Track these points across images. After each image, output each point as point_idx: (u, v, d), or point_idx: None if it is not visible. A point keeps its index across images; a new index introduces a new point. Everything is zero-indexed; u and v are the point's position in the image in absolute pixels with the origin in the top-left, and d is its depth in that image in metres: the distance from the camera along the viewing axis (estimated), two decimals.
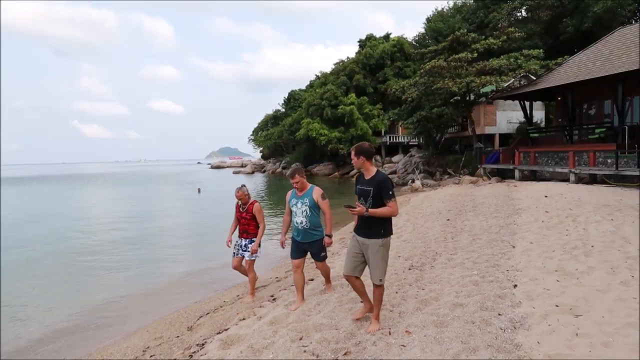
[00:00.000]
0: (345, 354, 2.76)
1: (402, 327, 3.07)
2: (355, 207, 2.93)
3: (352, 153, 3.10)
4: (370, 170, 3.07)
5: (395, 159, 30.50)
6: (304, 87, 51.04)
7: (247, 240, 4.78)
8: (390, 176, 25.60)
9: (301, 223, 3.86)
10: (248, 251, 4.75)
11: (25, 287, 6.74)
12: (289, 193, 4.00)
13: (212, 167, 71.64)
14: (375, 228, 3.01)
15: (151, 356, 3.74)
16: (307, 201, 3.84)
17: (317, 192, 3.86)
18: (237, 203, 4.77)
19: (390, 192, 2.94)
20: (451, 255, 5.15)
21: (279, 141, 45.83)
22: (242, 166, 61.49)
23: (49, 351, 4.43)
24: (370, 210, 2.93)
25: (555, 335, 2.71)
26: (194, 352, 3.42)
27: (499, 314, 3.12)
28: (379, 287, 3.08)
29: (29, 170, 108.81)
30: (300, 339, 3.09)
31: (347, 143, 32.30)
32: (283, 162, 43.29)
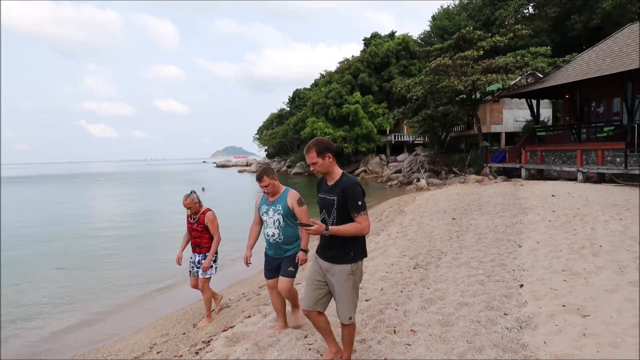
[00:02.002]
0: None
1: (407, 326, 3.06)
2: (311, 225, 2.22)
3: (312, 152, 2.28)
4: (334, 174, 2.34)
5: (400, 157, 30.41)
6: (306, 86, 51.09)
7: (201, 255, 4.17)
8: (395, 175, 25.64)
9: (273, 236, 3.14)
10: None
11: (29, 283, 6.83)
12: (259, 198, 3.32)
13: (218, 166, 72.06)
14: (342, 249, 2.29)
15: (158, 352, 3.78)
16: (280, 208, 3.10)
17: (292, 197, 3.11)
18: (188, 213, 4.14)
19: (360, 203, 2.22)
20: (456, 255, 5.12)
21: (284, 140, 45.89)
22: (247, 165, 61.74)
23: (55, 347, 4.48)
24: (331, 228, 2.20)
25: (562, 335, 2.69)
26: (200, 349, 3.45)
27: (505, 314, 3.10)
28: (348, 326, 2.40)
29: (38, 169, 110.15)
30: (305, 337, 3.10)
31: (352, 142, 32.27)
32: (288, 160, 43.37)
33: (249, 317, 3.92)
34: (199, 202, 4.09)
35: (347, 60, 40.06)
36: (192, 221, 4.12)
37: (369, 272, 4.71)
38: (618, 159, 12.00)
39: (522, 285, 3.72)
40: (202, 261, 4.14)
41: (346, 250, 2.30)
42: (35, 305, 5.79)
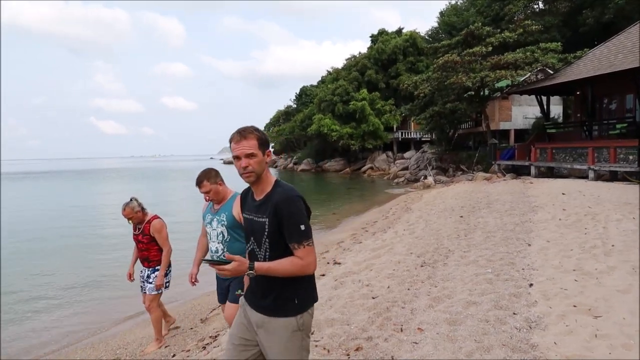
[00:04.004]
0: (356, 349, 2.76)
1: (414, 324, 3.04)
2: (225, 262, 1.49)
3: (252, 140, 1.53)
4: (266, 182, 1.60)
5: (407, 154, 30.19)
6: (312, 83, 51.13)
7: (150, 269, 3.64)
8: (402, 172, 25.50)
9: (216, 252, 2.65)
10: (150, 283, 3.61)
11: (37, 277, 6.90)
12: (205, 205, 2.82)
13: (225, 163, 72.53)
14: (282, 295, 1.56)
15: (166, 347, 3.82)
16: (225, 218, 2.58)
17: (239, 204, 2.18)
18: (131, 223, 3.62)
19: (303, 227, 1.50)
20: (464, 253, 5.07)
21: (291, 137, 45.97)
22: None
23: (62, 342, 4.53)
24: (259, 265, 1.50)
25: (573, 336, 2.65)
26: (207, 343, 3.48)
27: (514, 313, 3.06)
28: None
29: (51, 165, 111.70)
30: (312, 333, 3.10)
31: (358, 139, 32.13)
32: (294, 157, 43.44)
33: None
34: (142, 209, 3.53)
35: (354, 57, 39.84)
36: (136, 232, 3.60)
37: (375, 270, 4.69)
38: (631, 157, 11.75)
39: (531, 285, 3.67)
40: (152, 275, 3.62)
41: (288, 295, 1.56)
42: (39, 301, 5.83)
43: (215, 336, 3.62)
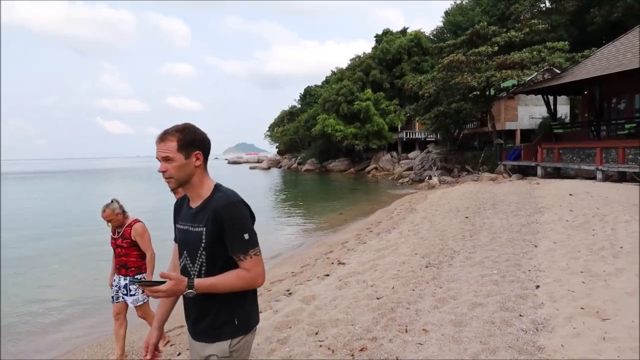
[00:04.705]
0: (361, 349, 2.76)
1: (419, 325, 3.03)
2: (159, 282, 1.28)
3: (171, 142, 1.35)
4: (202, 188, 1.42)
5: (412, 155, 30.11)
6: (315, 83, 51.29)
7: (128, 278, 3.35)
8: (406, 172, 25.43)
9: None
10: (132, 295, 3.35)
11: (37, 278, 6.88)
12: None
13: (229, 163, 72.88)
14: (220, 315, 1.39)
15: (171, 345, 3.83)
16: None
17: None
18: (110, 226, 3.39)
19: (247, 236, 1.34)
20: (469, 254, 5.04)
21: (295, 137, 46.04)
22: (258, 162, 62.19)
23: (65, 341, 4.56)
24: (199, 282, 1.31)
25: (581, 338, 2.61)
26: None
27: (520, 315, 3.04)
28: None
29: (58, 165, 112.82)
30: (316, 333, 3.10)
31: (362, 139, 32.10)
32: (299, 157, 43.51)
33: (260, 312, 3.93)
34: (123, 212, 3.34)
35: (359, 57, 39.82)
36: (115, 236, 3.36)
37: (380, 270, 4.68)
38: None
39: (538, 286, 3.64)
40: (132, 286, 3.36)
41: (227, 316, 1.37)
42: (42, 300, 5.83)
43: None
